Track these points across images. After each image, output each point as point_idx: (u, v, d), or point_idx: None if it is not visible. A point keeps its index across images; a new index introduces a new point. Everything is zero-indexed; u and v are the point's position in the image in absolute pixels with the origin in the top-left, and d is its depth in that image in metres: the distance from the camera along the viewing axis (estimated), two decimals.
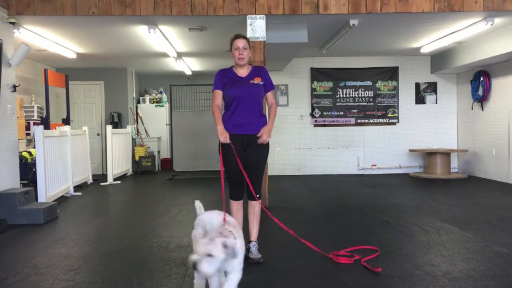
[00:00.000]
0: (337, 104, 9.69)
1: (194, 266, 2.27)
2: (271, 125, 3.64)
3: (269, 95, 3.74)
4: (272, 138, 3.92)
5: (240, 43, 3.58)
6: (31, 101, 8.51)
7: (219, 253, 2.28)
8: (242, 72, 3.66)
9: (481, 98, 8.60)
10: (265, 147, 3.69)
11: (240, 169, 3.46)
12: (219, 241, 2.30)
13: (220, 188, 4.31)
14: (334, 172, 9.71)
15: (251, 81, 3.63)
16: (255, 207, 3.67)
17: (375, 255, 3.57)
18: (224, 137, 3.46)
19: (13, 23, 5.71)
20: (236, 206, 3.69)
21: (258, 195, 3.64)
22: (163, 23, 6.18)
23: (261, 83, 3.66)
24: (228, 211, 3.73)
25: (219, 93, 3.65)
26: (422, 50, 8.62)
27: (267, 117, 3.73)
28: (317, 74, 9.67)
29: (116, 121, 10.20)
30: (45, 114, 7.72)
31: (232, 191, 3.69)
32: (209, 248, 2.27)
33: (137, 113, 10.99)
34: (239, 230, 2.61)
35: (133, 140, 10.49)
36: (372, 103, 9.70)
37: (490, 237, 4.16)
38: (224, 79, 3.64)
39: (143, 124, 11.06)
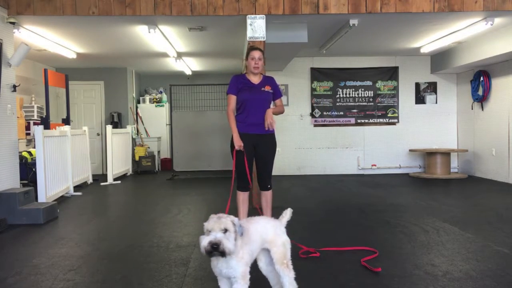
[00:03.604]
0: (337, 104, 9.69)
1: (214, 247, 2.08)
2: (272, 109, 4.11)
3: (278, 102, 4.25)
4: None
5: (256, 54, 4.07)
6: (31, 101, 8.51)
7: (232, 227, 2.17)
8: (255, 79, 4.14)
9: (481, 98, 8.60)
10: (273, 143, 4.18)
11: (249, 167, 3.96)
12: (227, 217, 2.21)
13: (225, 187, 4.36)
14: (334, 172, 9.71)
15: (262, 89, 4.12)
16: (267, 195, 4.19)
17: (375, 255, 3.57)
18: (239, 146, 3.97)
19: (13, 23, 5.71)
20: (243, 196, 4.16)
21: (269, 186, 4.18)
22: (163, 23, 6.18)
23: (271, 91, 4.16)
24: (235, 201, 4.17)
25: (233, 98, 4.12)
26: (422, 50, 8.61)
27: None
28: (317, 74, 9.67)
29: (116, 121, 10.20)
30: (45, 114, 7.72)
31: (240, 184, 4.14)
32: (224, 222, 2.16)
33: (137, 113, 10.99)
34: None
35: (133, 140, 10.49)
36: (372, 103, 9.70)
37: (490, 237, 4.15)
38: (239, 84, 4.10)
39: (143, 124, 11.06)
